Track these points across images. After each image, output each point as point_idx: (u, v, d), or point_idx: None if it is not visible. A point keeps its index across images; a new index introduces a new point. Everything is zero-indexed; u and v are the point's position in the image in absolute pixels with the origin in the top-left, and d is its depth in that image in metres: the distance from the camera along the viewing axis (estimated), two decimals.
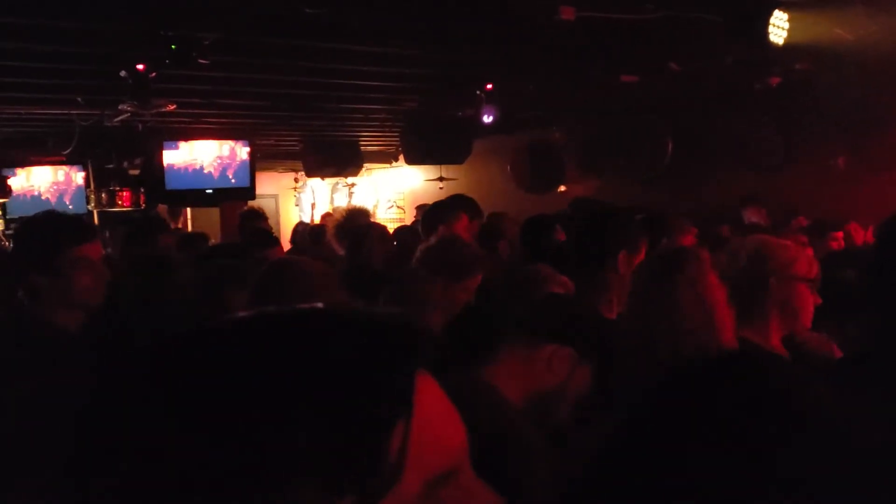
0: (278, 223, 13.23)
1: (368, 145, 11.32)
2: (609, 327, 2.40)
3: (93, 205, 9.20)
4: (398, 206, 13.69)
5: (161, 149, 8.87)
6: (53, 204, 8.98)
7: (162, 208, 9.51)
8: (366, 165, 11.85)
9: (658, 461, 0.76)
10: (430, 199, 6.75)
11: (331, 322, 0.66)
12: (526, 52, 6.07)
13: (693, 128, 8.39)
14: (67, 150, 8.58)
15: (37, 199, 9.11)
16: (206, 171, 9.11)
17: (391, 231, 5.89)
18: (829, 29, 5.29)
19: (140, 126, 8.36)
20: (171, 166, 8.93)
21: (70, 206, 8.90)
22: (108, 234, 7.18)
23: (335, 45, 5.45)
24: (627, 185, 8.59)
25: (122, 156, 8.97)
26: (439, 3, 4.77)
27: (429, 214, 4.86)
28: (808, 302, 2.43)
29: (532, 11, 4.84)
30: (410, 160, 9.61)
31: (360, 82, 6.98)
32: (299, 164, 11.56)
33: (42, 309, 2.42)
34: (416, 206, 10.47)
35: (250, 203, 8.96)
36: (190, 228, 10.49)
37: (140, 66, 5.38)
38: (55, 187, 9.30)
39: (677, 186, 8.27)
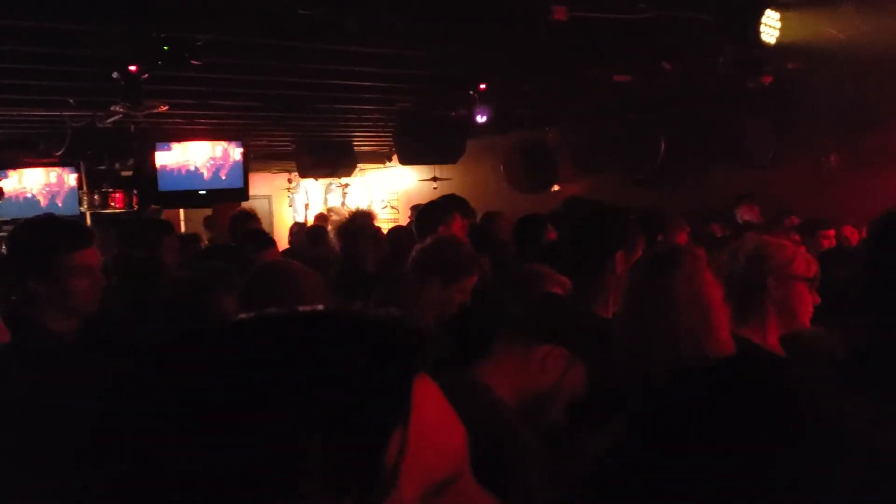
0: (272, 224, 13.22)
1: (362, 145, 11.31)
2: (605, 327, 2.40)
3: (85, 206, 9.17)
4: (392, 207, 13.68)
5: (153, 150, 8.85)
6: (45, 206, 8.95)
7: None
8: (359, 166, 11.85)
9: (665, 462, 0.76)
10: (424, 199, 6.75)
11: (331, 325, 0.66)
12: (519, 51, 6.07)
13: (686, 127, 8.41)
14: (59, 152, 8.55)
15: (29, 200, 9.07)
16: (198, 172, 9.09)
17: (385, 231, 5.89)
18: (821, 28, 5.31)
19: (132, 127, 8.34)
20: (163, 167, 8.91)
21: (62, 208, 8.88)
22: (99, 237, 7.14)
23: (328, 45, 5.44)
24: (621, 184, 8.60)
25: (114, 157, 8.94)
26: (432, 3, 4.77)
27: (423, 215, 4.86)
28: (807, 301, 2.44)
29: (525, 11, 4.84)
30: (404, 160, 9.61)
31: (353, 82, 6.98)
32: (293, 165, 11.55)
33: (38, 314, 2.41)
34: (410, 206, 10.47)
35: (243, 204, 8.94)
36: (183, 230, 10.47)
37: (132, 68, 5.35)
38: (47, 189, 9.26)
39: (670, 185, 8.29)
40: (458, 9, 4.81)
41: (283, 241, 8.85)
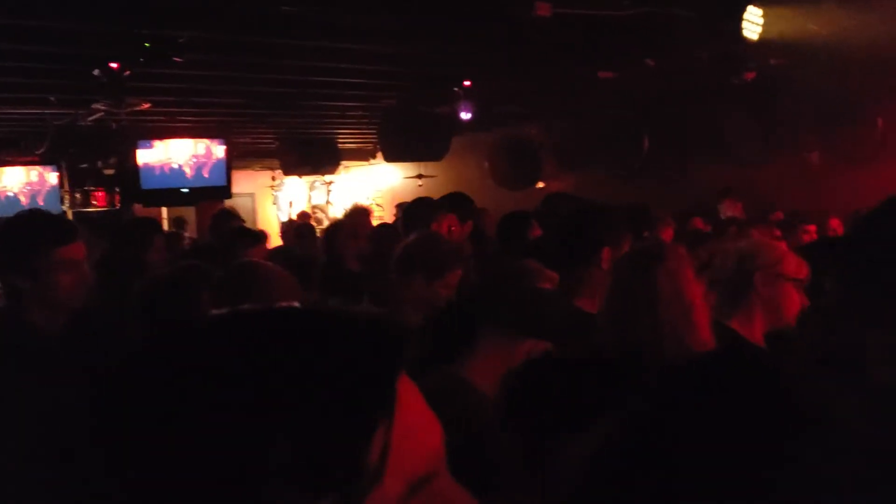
0: (255, 222, 13.17)
1: (346, 142, 11.29)
2: (589, 323, 2.41)
3: (67, 205, 9.11)
4: (377, 204, 13.66)
5: (135, 148, 8.79)
6: (26, 204, 8.88)
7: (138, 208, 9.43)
8: (343, 163, 11.81)
9: (662, 462, 0.75)
10: (409, 197, 6.72)
11: (314, 323, 0.65)
12: (503, 48, 6.08)
13: (669, 123, 8.45)
14: (41, 150, 8.49)
15: (10, 199, 9.00)
16: (181, 170, 9.04)
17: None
18: (803, 24, 5.35)
19: (114, 125, 8.28)
20: (146, 165, 8.85)
21: (43, 207, 8.80)
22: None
23: (312, 42, 5.43)
24: (605, 180, 8.63)
25: (96, 155, 8.88)
26: (417, 0, 4.77)
27: (409, 212, 4.85)
28: (793, 301, 2.48)
29: (509, 8, 4.85)
30: (389, 157, 9.59)
31: (337, 79, 6.96)
32: (276, 163, 11.50)
33: (22, 310, 2.39)
34: (395, 203, 10.45)
35: (226, 203, 8.90)
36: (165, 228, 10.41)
37: (114, 65, 5.32)
38: (28, 188, 9.19)
39: (654, 181, 8.32)
40: (442, 6, 4.81)
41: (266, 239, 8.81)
